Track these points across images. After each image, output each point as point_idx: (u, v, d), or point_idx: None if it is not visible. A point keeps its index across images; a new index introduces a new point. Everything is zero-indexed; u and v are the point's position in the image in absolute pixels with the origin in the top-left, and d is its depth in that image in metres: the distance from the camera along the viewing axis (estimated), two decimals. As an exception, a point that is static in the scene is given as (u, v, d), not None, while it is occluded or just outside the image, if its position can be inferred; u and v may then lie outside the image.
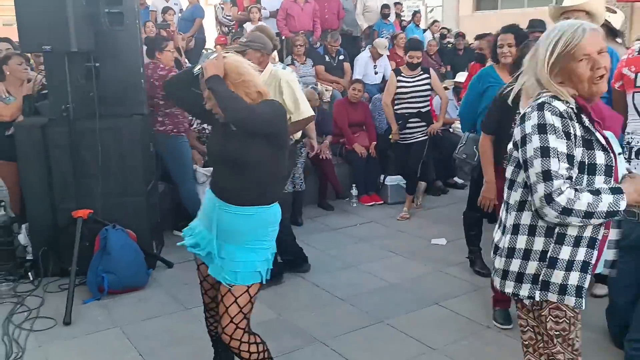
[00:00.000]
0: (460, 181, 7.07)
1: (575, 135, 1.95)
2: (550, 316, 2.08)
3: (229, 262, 2.60)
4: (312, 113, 4.24)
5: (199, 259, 2.81)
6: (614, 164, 1.96)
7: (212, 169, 2.87)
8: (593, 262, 2.01)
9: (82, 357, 3.45)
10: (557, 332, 2.09)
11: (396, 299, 4.14)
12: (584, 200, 1.88)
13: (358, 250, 5.15)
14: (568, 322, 2.07)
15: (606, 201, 1.89)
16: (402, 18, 11.88)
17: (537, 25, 5.65)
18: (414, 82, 5.85)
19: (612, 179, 1.96)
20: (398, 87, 5.83)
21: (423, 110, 5.91)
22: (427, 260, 4.85)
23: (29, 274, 4.53)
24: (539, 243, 2.02)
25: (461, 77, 7.27)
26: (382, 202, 6.49)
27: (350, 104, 6.76)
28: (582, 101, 2.01)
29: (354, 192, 6.54)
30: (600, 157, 1.96)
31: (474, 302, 4.02)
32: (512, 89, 3.57)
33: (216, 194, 2.63)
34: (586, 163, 1.96)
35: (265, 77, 3.95)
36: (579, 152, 1.96)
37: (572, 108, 1.98)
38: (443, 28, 12.45)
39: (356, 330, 3.68)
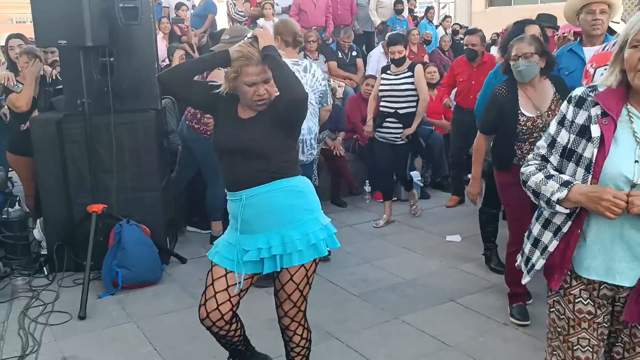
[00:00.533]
0: (474, 178, 7.03)
1: (571, 121, 1.97)
2: (553, 307, 2.07)
3: (274, 249, 2.51)
4: None
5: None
6: (594, 161, 1.86)
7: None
8: (551, 249, 1.99)
9: (98, 351, 3.45)
10: (559, 329, 2.05)
11: (411, 295, 4.11)
12: (533, 178, 2.02)
13: (372, 246, 5.12)
14: (567, 322, 2.01)
15: (549, 187, 1.94)
16: (414, 14, 11.81)
17: (546, 20, 5.57)
18: (393, 80, 5.42)
19: (591, 175, 1.87)
20: (380, 85, 5.49)
21: (401, 111, 5.38)
22: (442, 257, 4.81)
23: (44, 268, 4.55)
24: (535, 216, 2.15)
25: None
26: (395, 198, 6.45)
27: (363, 100, 6.71)
28: (602, 93, 1.92)
29: (367, 188, 6.50)
30: (588, 151, 1.89)
31: (490, 299, 3.98)
32: (504, 90, 3.58)
33: (235, 187, 2.54)
34: (579, 153, 1.93)
35: None
36: (571, 139, 1.96)
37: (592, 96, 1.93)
38: (455, 24, 12.38)
39: (372, 327, 3.66)
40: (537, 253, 2.05)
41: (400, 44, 5.30)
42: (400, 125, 5.39)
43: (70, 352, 3.43)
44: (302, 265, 2.54)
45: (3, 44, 5.56)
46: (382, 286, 4.26)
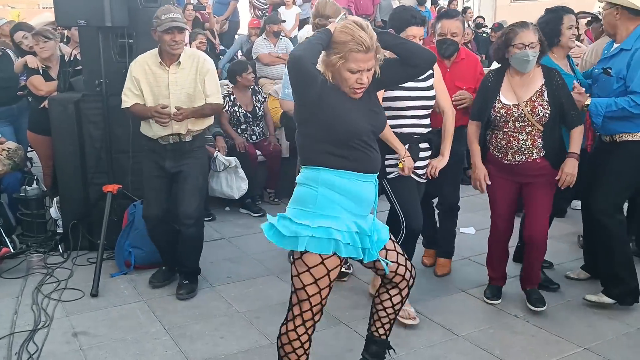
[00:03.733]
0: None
1: None
2: None
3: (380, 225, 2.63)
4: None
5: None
6: None
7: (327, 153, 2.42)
8: None
9: (108, 328, 3.49)
10: None
11: (423, 285, 4.07)
12: None
13: (385, 236, 5.09)
14: None
15: None
16: (439, 5, 11.70)
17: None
18: (419, 83, 3.41)
19: None
20: (400, 91, 3.39)
21: (433, 130, 3.60)
22: (455, 248, 4.75)
23: (59, 246, 4.61)
24: None
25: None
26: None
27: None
28: None
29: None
30: None
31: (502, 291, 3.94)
32: (491, 75, 3.47)
33: (370, 170, 2.48)
34: None
35: (186, 55, 3.79)
36: None
37: None
38: (479, 17, 12.25)
39: (380, 314, 3.64)
40: None
41: (420, 25, 3.48)
42: (430, 153, 3.62)
43: (81, 328, 3.48)
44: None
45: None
46: (393, 275, 4.24)
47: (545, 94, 3.39)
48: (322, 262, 2.39)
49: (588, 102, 3.49)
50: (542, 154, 3.43)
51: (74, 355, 3.20)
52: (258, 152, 5.83)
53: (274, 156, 5.87)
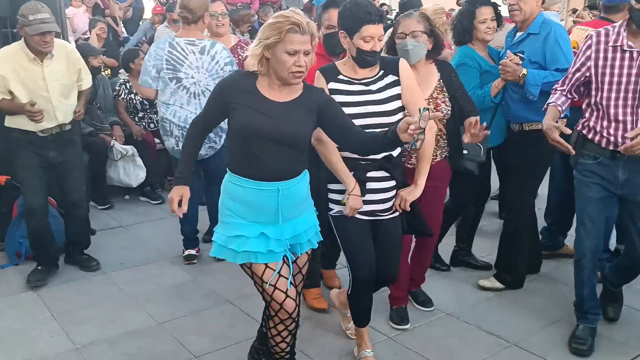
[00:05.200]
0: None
1: None
2: None
3: (305, 233, 2.56)
4: None
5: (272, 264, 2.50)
6: None
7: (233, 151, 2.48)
8: None
9: (-5, 318, 3.52)
10: None
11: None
12: None
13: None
14: None
15: None
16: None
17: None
18: (369, 93, 2.80)
19: None
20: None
21: (394, 153, 2.85)
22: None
23: (-51, 240, 4.53)
24: None
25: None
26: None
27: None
28: None
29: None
30: None
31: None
32: None
33: (275, 178, 2.41)
34: None
35: (54, 46, 3.75)
36: None
37: None
38: (383, 4, 12.37)
39: (266, 292, 3.84)
40: None
41: (379, 23, 2.69)
42: (394, 183, 2.88)
43: (-34, 320, 3.50)
44: (306, 252, 2.64)
45: None
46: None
47: (445, 89, 3.22)
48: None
49: (525, 71, 3.42)
50: (444, 155, 3.28)
51: (-43, 346, 3.23)
52: (156, 140, 5.87)
53: (173, 144, 5.93)
